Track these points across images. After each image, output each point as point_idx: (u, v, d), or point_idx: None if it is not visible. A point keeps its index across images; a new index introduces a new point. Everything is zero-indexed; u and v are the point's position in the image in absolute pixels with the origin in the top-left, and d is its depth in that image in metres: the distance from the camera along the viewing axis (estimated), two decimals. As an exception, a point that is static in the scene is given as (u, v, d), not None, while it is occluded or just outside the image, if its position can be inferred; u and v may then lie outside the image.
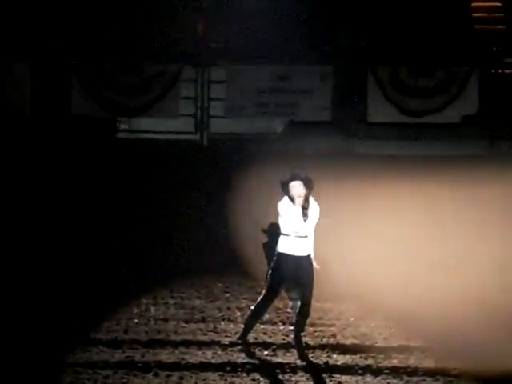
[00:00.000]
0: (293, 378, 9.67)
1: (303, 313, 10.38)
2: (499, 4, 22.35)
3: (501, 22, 22.13)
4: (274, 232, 10.42)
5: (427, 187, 16.77)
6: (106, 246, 14.41)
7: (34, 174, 17.61)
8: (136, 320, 11.19)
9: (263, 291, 10.59)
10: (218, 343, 10.50)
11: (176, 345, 10.45)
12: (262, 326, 10.70)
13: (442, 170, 19.33)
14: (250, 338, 10.55)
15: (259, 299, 10.47)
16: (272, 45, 20.18)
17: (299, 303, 10.45)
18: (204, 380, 9.56)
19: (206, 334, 10.79)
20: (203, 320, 11.13)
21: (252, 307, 10.46)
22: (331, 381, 9.64)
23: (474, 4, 22.37)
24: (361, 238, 14.68)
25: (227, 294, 12.08)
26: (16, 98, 19.51)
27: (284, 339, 10.58)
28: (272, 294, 10.42)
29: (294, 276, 10.27)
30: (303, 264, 10.19)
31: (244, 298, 11.65)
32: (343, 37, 21.08)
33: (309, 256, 10.24)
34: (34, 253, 14.26)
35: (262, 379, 9.64)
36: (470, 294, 11.98)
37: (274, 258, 10.28)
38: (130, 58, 19.89)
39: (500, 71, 20.79)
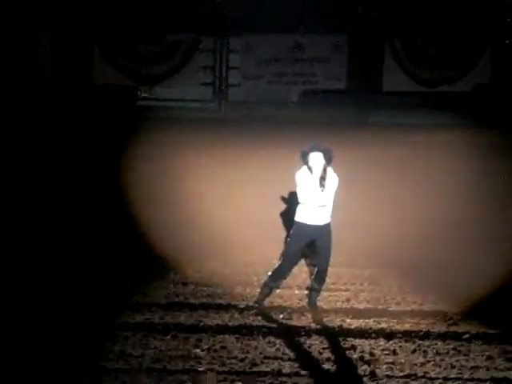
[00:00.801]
0: (307, 341, 9.71)
1: (319, 279, 10.36)
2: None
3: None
4: (292, 200, 10.46)
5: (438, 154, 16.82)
6: (127, 212, 14.37)
7: (56, 138, 17.65)
8: (155, 284, 11.22)
9: (281, 258, 10.70)
10: (235, 307, 10.46)
11: (194, 308, 10.42)
12: (277, 291, 10.67)
13: (452, 138, 19.36)
14: (266, 302, 10.54)
15: (277, 265, 10.49)
16: (287, 15, 20.14)
17: (315, 270, 10.50)
18: (221, 342, 9.59)
19: (223, 298, 10.75)
20: (220, 283, 11.14)
21: (269, 273, 10.48)
22: (345, 344, 9.65)
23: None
24: (374, 204, 14.72)
25: (244, 259, 12.08)
26: (39, 65, 19.57)
27: (299, 303, 10.54)
28: (289, 261, 10.44)
29: (311, 244, 10.32)
30: (320, 233, 10.11)
31: (260, 263, 11.63)
32: (359, 7, 20.99)
33: (326, 225, 10.15)
34: (56, 213, 14.21)
35: (277, 342, 9.68)
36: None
37: (293, 226, 10.31)
38: (151, 27, 19.90)
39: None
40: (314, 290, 10.45)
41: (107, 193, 15.67)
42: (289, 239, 10.45)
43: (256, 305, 10.48)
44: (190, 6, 20.52)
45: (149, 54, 19.86)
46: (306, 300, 10.54)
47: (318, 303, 10.45)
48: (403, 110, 20.91)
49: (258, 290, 10.62)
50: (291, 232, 10.37)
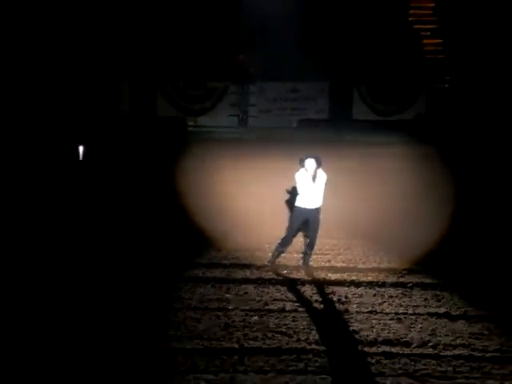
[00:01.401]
0: (302, 289, 9.66)
1: (310, 246, 10.34)
2: (440, 40, 22.18)
3: (441, 52, 21.98)
4: (292, 193, 10.44)
5: (390, 161, 16.67)
6: (180, 204, 14.29)
7: (133, 156, 17.62)
8: (201, 251, 11.20)
9: (286, 231, 10.65)
10: (254, 265, 10.49)
11: (226, 266, 10.46)
12: (282, 254, 10.66)
13: (400, 150, 19.23)
14: (276, 262, 10.52)
15: (283, 236, 10.47)
16: (288, 69, 20.16)
17: (307, 240, 10.45)
18: (244, 289, 9.57)
19: (245, 260, 10.74)
20: (244, 249, 11.10)
21: (278, 241, 10.45)
22: (327, 291, 9.60)
23: (424, 41, 22.19)
24: (349, 195, 14.63)
25: (259, 234, 12.05)
26: (120, 106, 19.63)
27: (297, 263, 10.54)
28: (291, 233, 10.42)
29: (306, 222, 10.27)
30: (312, 214, 10.12)
31: (270, 237, 11.59)
32: (335, 64, 21.02)
33: (317, 209, 10.15)
34: (132, 206, 14.18)
35: (282, 289, 9.64)
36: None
37: (294, 209, 10.29)
38: (196, 77, 19.95)
39: (441, 86, 20.68)
40: (306, 254, 10.42)
41: (167, 191, 15.62)
42: (291, 218, 10.43)
43: (269, 264, 10.45)
44: (223, 63, 20.59)
45: (195, 96, 19.90)
46: (302, 261, 10.50)
47: (310, 263, 10.41)
48: (367, 131, 20.84)
49: (270, 254, 10.60)
50: (292, 214, 10.34)
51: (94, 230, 12.09)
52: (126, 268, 10.15)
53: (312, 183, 9.91)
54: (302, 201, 10.08)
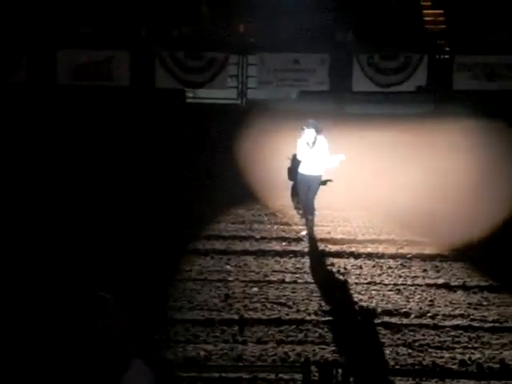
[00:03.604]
0: (301, 260, 9.72)
1: (309, 210, 10.42)
2: (441, 11, 22.03)
3: (443, 23, 21.86)
4: (295, 159, 10.59)
5: (392, 134, 16.56)
6: (183, 176, 14.09)
7: (131, 125, 17.50)
8: (197, 221, 11.14)
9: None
10: (253, 237, 10.50)
11: (225, 238, 10.47)
12: (281, 227, 10.67)
13: (401, 123, 19.14)
14: (273, 233, 10.54)
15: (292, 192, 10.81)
16: (289, 40, 20.05)
17: (307, 203, 10.46)
18: (243, 261, 9.63)
19: (244, 231, 10.76)
20: (243, 222, 11.12)
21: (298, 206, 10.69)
22: (327, 262, 9.66)
23: (425, 11, 22.05)
24: (351, 168, 14.48)
25: (258, 206, 12.03)
26: (119, 76, 19.50)
27: (295, 235, 10.56)
28: (302, 194, 10.46)
29: (306, 185, 10.33)
30: (311, 179, 10.26)
31: (270, 207, 11.58)
32: (336, 34, 20.90)
33: (317, 176, 10.26)
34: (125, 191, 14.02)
35: (281, 261, 9.70)
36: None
37: (297, 175, 10.46)
38: (195, 48, 19.84)
39: (441, 57, 20.55)
40: (308, 220, 10.45)
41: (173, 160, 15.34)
42: (294, 182, 10.70)
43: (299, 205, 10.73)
44: (223, 34, 20.51)
45: (193, 67, 19.80)
46: (301, 233, 10.49)
47: (310, 235, 10.41)
48: (367, 103, 20.76)
49: (268, 227, 10.64)
50: (296, 180, 10.53)
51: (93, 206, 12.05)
52: (125, 240, 10.16)
53: (310, 148, 10.02)
54: (302, 166, 10.28)
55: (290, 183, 11.24)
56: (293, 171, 10.67)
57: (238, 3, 21.05)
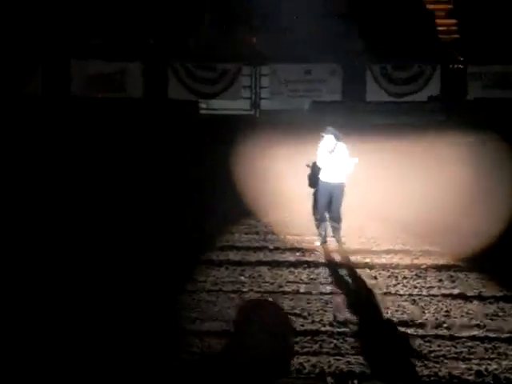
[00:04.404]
0: (315, 271, 9.69)
1: (336, 218, 10.34)
2: (455, 21, 22.02)
3: (456, 32, 21.84)
4: (315, 166, 10.47)
5: (404, 143, 16.53)
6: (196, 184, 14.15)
7: (144, 137, 17.56)
8: (211, 234, 11.15)
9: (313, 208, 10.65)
10: (267, 248, 10.50)
11: (239, 249, 10.47)
12: (295, 237, 10.65)
13: (413, 133, 19.11)
14: (287, 244, 10.53)
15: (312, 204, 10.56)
16: (301, 51, 20.09)
17: (332, 212, 10.33)
18: (257, 272, 9.62)
19: (259, 242, 10.76)
20: (257, 232, 11.11)
21: (315, 222, 10.55)
22: (342, 273, 9.64)
23: (438, 21, 22.05)
24: (365, 177, 14.41)
25: (272, 216, 11.98)
26: (132, 88, 19.59)
27: (309, 246, 10.52)
28: (321, 206, 10.37)
29: (327, 192, 10.25)
30: (334, 186, 10.19)
31: (283, 218, 11.54)
32: (349, 44, 20.90)
33: (339, 183, 10.20)
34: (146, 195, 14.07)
35: (295, 271, 9.68)
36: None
37: (318, 184, 10.38)
38: (208, 60, 19.94)
39: (455, 67, 20.53)
40: (335, 229, 10.42)
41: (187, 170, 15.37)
42: (316, 193, 10.46)
43: (320, 244, 10.43)
44: (236, 45, 20.58)
45: (206, 78, 19.88)
46: (315, 243, 10.43)
47: (321, 245, 10.35)
48: (380, 114, 20.75)
49: (282, 237, 10.62)
50: (317, 188, 10.39)
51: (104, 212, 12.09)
52: (140, 251, 10.19)
53: (329, 157, 10.03)
54: (323, 174, 10.20)
55: (309, 193, 11.18)
56: (313, 178, 10.53)
57: (248, 14, 21.17)
